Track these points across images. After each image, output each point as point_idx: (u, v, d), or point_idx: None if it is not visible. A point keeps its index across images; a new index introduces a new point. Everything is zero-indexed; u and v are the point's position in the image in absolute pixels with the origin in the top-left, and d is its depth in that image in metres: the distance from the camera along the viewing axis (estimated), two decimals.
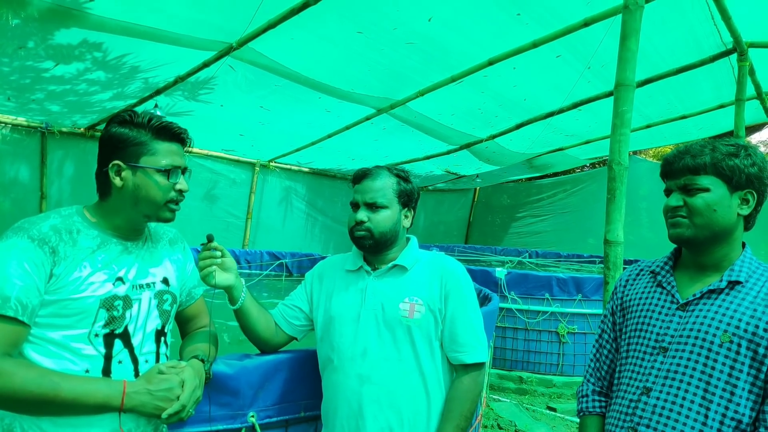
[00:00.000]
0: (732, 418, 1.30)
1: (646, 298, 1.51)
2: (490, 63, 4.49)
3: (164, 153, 1.45)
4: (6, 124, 5.16)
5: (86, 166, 5.81)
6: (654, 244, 7.72)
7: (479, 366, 1.78)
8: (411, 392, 1.73)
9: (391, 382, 1.72)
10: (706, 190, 1.37)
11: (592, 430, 1.60)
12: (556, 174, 10.69)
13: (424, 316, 1.74)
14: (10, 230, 1.33)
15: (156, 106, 4.62)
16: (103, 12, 3.27)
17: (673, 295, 1.45)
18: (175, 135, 1.49)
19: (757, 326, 1.30)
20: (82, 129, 5.63)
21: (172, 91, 4.62)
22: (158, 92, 4.61)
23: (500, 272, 5.35)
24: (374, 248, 1.80)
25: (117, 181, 1.42)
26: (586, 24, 3.99)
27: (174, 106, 4.92)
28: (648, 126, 6.65)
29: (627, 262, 5.77)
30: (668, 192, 1.46)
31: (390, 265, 1.82)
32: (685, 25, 4.25)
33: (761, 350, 1.29)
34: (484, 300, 3.25)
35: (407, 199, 1.84)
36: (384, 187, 1.80)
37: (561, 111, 5.75)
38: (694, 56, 4.74)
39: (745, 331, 1.30)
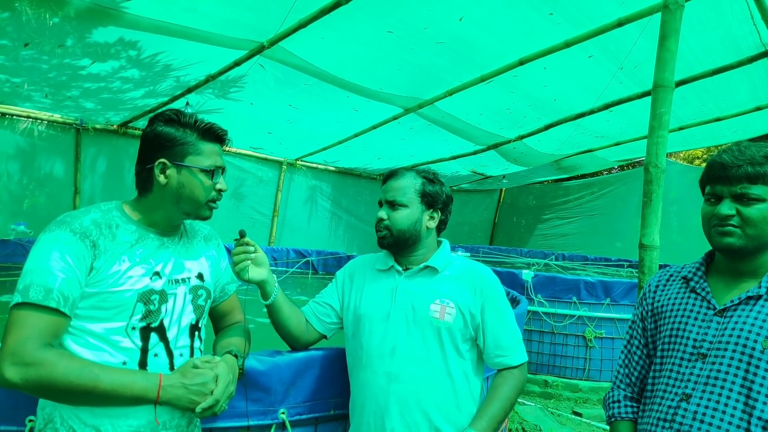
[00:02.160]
0: None
1: (680, 304, 1.49)
2: (521, 63, 4.45)
3: (208, 153, 1.48)
4: (42, 120, 5.30)
5: (118, 162, 5.93)
6: (684, 249, 7.56)
7: (524, 364, 1.82)
8: (438, 392, 1.72)
9: (418, 381, 1.72)
10: (762, 200, 1.34)
11: None
12: (583, 176, 10.54)
13: (455, 318, 1.74)
14: (52, 223, 1.36)
15: (187, 104, 4.69)
16: (138, 11, 3.34)
17: (708, 301, 1.43)
18: (219, 136, 1.52)
19: None
20: (115, 126, 5.75)
21: (203, 89, 4.69)
22: (189, 90, 4.68)
23: (527, 275, 5.30)
24: (394, 246, 1.82)
25: (161, 178, 1.45)
26: (620, 24, 3.92)
27: (204, 104, 4.99)
28: (681, 128, 6.51)
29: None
30: (714, 197, 1.41)
31: (422, 266, 1.82)
32: (722, 25, 4.15)
33: None
34: (511, 303, 3.22)
35: (431, 200, 1.85)
36: (405, 186, 1.82)
37: (592, 112, 5.67)
38: (731, 57, 4.62)
39: None
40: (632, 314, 1.69)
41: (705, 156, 14.65)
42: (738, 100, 5.78)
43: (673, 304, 1.51)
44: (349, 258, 6.27)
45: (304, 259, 6.48)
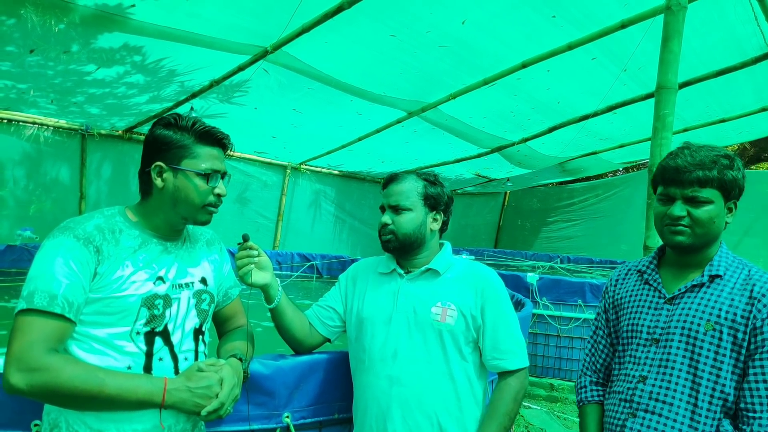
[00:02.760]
0: (719, 398, 1.43)
1: (637, 295, 1.64)
2: (524, 66, 4.45)
3: (205, 157, 1.48)
4: (48, 126, 5.33)
5: (123, 167, 5.96)
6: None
7: (524, 369, 1.79)
8: (441, 395, 1.72)
9: (420, 385, 1.71)
10: (711, 202, 1.46)
11: (592, 417, 1.71)
12: (588, 178, 10.52)
13: (457, 321, 1.73)
14: (56, 230, 1.36)
15: (192, 109, 4.71)
16: (143, 17, 3.36)
17: (660, 291, 1.58)
18: (218, 140, 1.51)
19: (735, 314, 1.43)
20: (120, 131, 5.78)
21: (207, 94, 4.71)
22: (194, 95, 4.70)
23: (532, 278, 5.29)
24: (399, 250, 1.81)
25: (158, 182, 1.45)
26: (623, 26, 3.92)
27: (208, 108, 5.01)
28: (685, 130, 6.49)
29: None
30: (667, 198, 1.52)
31: (423, 269, 1.82)
32: (726, 26, 4.14)
33: (740, 335, 1.42)
34: (516, 305, 3.22)
35: (434, 203, 1.84)
36: (408, 190, 1.81)
37: (595, 114, 5.66)
38: (735, 58, 4.62)
39: (725, 319, 1.44)
40: (596, 311, 1.83)
41: None
42: (743, 101, 5.77)
43: (630, 296, 1.65)
44: (353, 261, 6.28)
45: (309, 263, 6.49)
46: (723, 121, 6.23)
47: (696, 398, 1.45)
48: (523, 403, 4.94)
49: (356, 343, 1.84)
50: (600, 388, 1.74)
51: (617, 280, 1.74)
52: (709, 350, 1.44)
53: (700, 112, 6.05)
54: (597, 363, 1.76)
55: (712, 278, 1.51)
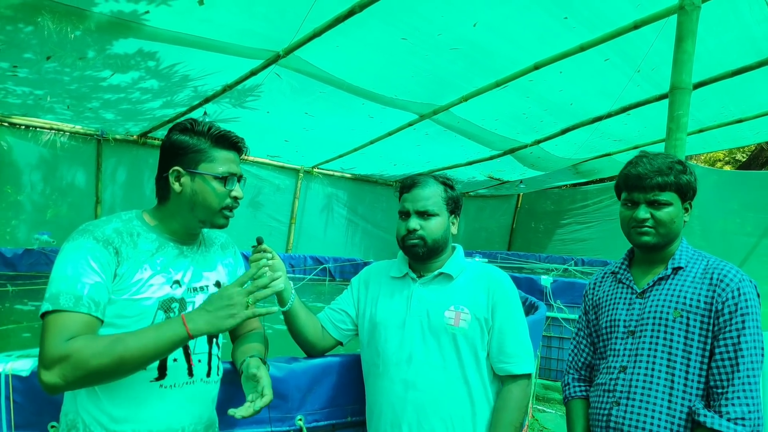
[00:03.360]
0: (692, 380, 1.56)
1: (612, 294, 1.80)
2: (536, 67, 4.44)
3: (222, 161, 1.49)
4: (65, 132, 5.40)
5: (138, 172, 6.03)
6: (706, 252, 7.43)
7: (528, 376, 1.77)
8: (456, 400, 1.71)
9: (436, 389, 1.71)
10: (670, 204, 1.64)
11: (578, 411, 1.83)
12: (602, 180, 10.43)
13: (470, 324, 1.73)
14: (75, 233, 1.38)
15: (205, 113, 4.75)
16: (157, 23, 3.40)
17: (631, 288, 1.74)
18: (233, 143, 1.52)
19: (698, 300, 1.59)
20: (134, 136, 5.84)
21: (220, 99, 4.75)
22: (207, 100, 4.74)
23: (546, 280, 5.25)
24: (427, 256, 1.80)
25: (176, 186, 1.47)
26: (636, 27, 3.89)
27: (221, 113, 5.05)
28: (701, 130, 6.42)
29: None
30: (631, 202, 1.69)
31: (436, 273, 1.81)
32: (741, 25, 4.10)
33: (705, 319, 1.57)
34: (530, 308, 3.20)
35: (454, 206, 1.85)
36: (434, 194, 1.80)
37: (609, 115, 5.62)
38: (751, 57, 4.56)
39: (690, 306, 1.59)
40: (579, 311, 1.98)
41: (727, 158, 14.41)
42: (760, 101, 5.69)
43: (607, 296, 1.81)
44: (366, 265, 6.28)
45: (321, 266, 6.51)
46: (739, 121, 6.15)
47: (672, 382, 1.58)
48: (538, 407, 4.91)
49: (369, 347, 1.84)
50: (583, 384, 1.87)
51: (595, 284, 1.91)
52: (678, 336, 1.59)
53: (716, 113, 5.98)
54: (579, 361, 1.90)
55: (675, 270, 1.67)
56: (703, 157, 13.66)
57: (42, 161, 5.38)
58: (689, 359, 1.57)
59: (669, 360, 1.59)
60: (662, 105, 5.06)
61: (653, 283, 1.69)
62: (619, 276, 1.80)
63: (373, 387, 1.81)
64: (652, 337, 1.63)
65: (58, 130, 5.35)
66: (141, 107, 4.91)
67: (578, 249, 10.29)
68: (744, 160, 12.35)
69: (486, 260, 7.01)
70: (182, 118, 1.53)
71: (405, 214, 1.82)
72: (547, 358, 5.30)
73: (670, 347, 1.59)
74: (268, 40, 3.82)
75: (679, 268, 1.67)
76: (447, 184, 1.85)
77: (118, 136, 5.73)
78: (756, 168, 11.35)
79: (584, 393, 1.85)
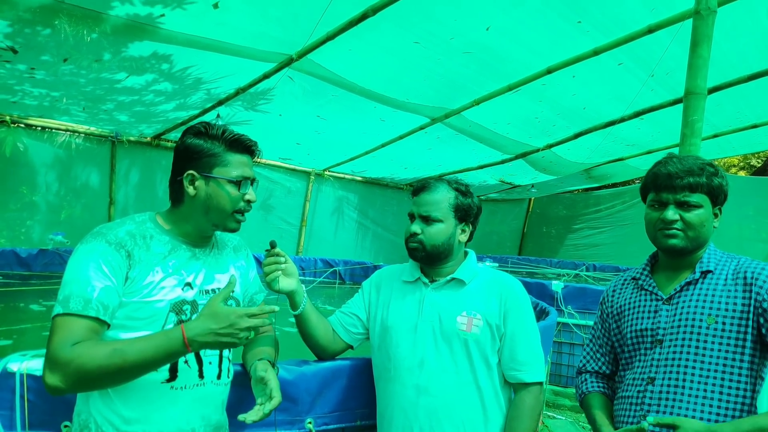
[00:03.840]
0: (729, 387, 1.48)
1: (634, 301, 1.69)
2: (549, 71, 4.42)
3: (236, 164, 1.50)
4: (79, 133, 5.46)
5: (151, 173, 6.08)
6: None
7: (539, 384, 1.76)
8: (468, 405, 1.71)
9: (448, 395, 1.71)
10: (700, 206, 1.55)
11: (595, 403, 1.73)
12: (615, 185, 10.36)
13: (482, 330, 1.72)
14: (89, 235, 1.39)
15: (218, 116, 4.78)
16: (172, 26, 3.43)
17: (656, 294, 1.64)
18: (247, 147, 1.53)
19: (735, 304, 1.50)
20: (148, 138, 5.89)
21: (233, 102, 4.78)
22: (220, 103, 4.77)
23: (557, 285, 5.22)
24: (426, 260, 1.81)
25: (190, 189, 1.47)
26: (650, 31, 3.87)
27: (234, 115, 5.08)
28: (716, 135, 6.37)
29: None
30: (659, 203, 1.60)
31: (448, 278, 1.81)
32: (758, 29, 4.06)
33: (743, 322, 1.48)
34: (541, 314, 3.18)
35: (464, 214, 1.82)
36: (440, 200, 1.79)
37: (622, 120, 5.59)
38: (767, 62, 4.51)
39: (727, 310, 1.50)
40: (595, 317, 1.88)
41: (741, 164, 14.25)
42: None
43: (629, 304, 1.71)
44: (376, 268, 6.29)
45: (332, 269, 6.52)
46: (755, 126, 6.09)
47: (705, 390, 1.49)
48: (548, 414, 4.87)
49: (380, 351, 1.83)
50: (601, 381, 1.79)
51: (614, 291, 1.80)
52: (713, 343, 1.49)
53: (731, 118, 5.93)
54: (593, 369, 1.82)
55: (704, 274, 1.58)
56: (717, 163, 13.52)
57: (57, 162, 5.44)
58: (725, 366, 1.48)
59: (701, 369, 1.50)
60: (676, 110, 5.02)
61: (680, 288, 1.59)
62: (641, 282, 1.70)
63: (384, 391, 1.81)
64: (683, 346, 1.53)
65: (74, 131, 5.42)
66: (154, 109, 4.95)
67: (590, 254, 10.23)
68: (759, 165, 12.21)
69: (497, 265, 6.99)
70: (195, 121, 1.54)
71: (411, 217, 1.84)
72: (558, 364, 5.27)
73: (704, 355, 1.50)
74: (281, 44, 3.85)
75: (709, 271, 1.58)
76: (460, 190, 1.83)
77: (131, 138, 5.78)
78: None
79: (602, 389, 1.76)
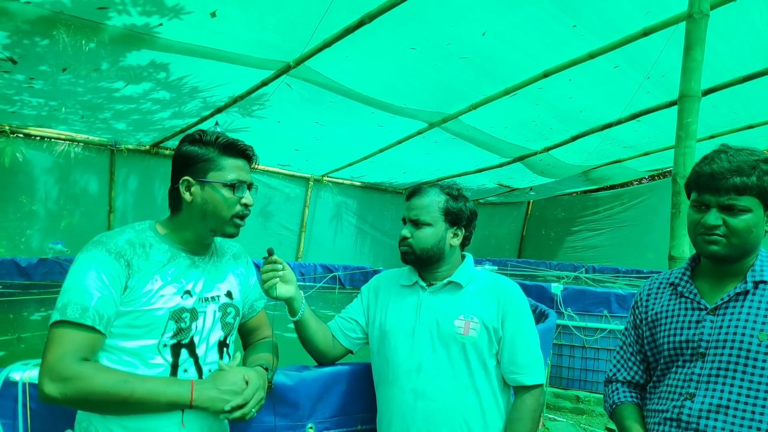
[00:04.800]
0: None
1: (673, 309, 1.53)
2: (545, 75, 4.45)
3: (230, 168, 1.51)
4: (79, 142, 5.48)
5: (149, 181, 6.10)
6: None
7: (540, 386, 1.77)
8: (466, 409, 1.71)
9: (445, 399, 1.71)
10: (749, 210, 1.36)
11: (630, 414, 1.59)
12: (613, 186, 10.38)
13: (480, 333, 1.73)
14: (89, 243, 1.41)
15: (216, 123, 4.80)
16: (170, 35, 3.45)
17: (698, 303, 1.48)
18: (241, 151, 1.55)
19: None
20: (146, 146, 5.91)
21: (231, 109, 4.80)
22: (218, 110, 4.80)
23: (556, 288, 5.23)
24: (417, 263, 1.82)
25: (187, 196, 1.49)
26: (646, 34, 3.90)
27: (232, 123, 5.11)
28: (712, 137, 6.39)
29: None
30: (702, 205, 1.42)
31: (445, 281, 1.82)
32: (751, 31, 4.09)
33: None
34: (540, 316, 3.19)
35: (455, 218, 1.83)
36: (429, 204, 1.81)
37: (619, 122, 5.61)
38: (762, 63, 4.54)
39: None
40: (626, 322, 1.72)
41: None
42: None
43: (667, 311, 1.55)
44: (375, 272, 6.29)
45: (331, 274, 6.53)
46: (751, 127, 6.12)
47: (753, 412, 1.35)
48: (549, 416, 4.88)
49: (379, 355, 1.84)
50: (634, 390, 1.65)
51: (649, 295, 1.64)
52: (765, 361, 1.35)
53: (727, 119, 5.95)
54: (627, 376, 1.67)
55: (757, 284, 1.42)
56: None
57: (56, 171, 5.46)
58: None
59: (749, 389, 1.36)
60: (673, 111, 5.01)
61: (728, 298, 1.43)
62: (680, 289, 1.54)
63: (383, 395, 1.82)
64: (729, 363, 1.39)
65: (72, 140, 5.43)
66: (151, 117, 4.97)
67: (589, 256, 10.24)
68: None
69: (496, 268, 6.99)
70: (193, 129, 1.56)
71: (404, 221, 1.86)
72: (558, 366, 5.27)
73: (753, 374, 1.36)
74: (279, 51, 3.87)
75: (762, 281, 1.41)
76: (452, 194, 1.84)
77: (130, 146, 5.80)
78: None
79: (636, 400, 1.63)
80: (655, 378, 1.58)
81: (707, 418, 1.40)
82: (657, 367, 1.57)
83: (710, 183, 1.38)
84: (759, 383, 1.35)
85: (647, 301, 1.63)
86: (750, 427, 1.35)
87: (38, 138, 5.25)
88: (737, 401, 1.37)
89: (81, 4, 3.07)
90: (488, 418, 1.73)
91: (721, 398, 1.39)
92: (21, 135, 5.13)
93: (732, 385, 1.38)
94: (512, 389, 1.81)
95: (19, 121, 4.94)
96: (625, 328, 1.72)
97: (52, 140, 5.33)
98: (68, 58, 3.57)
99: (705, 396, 1.41)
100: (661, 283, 1.63)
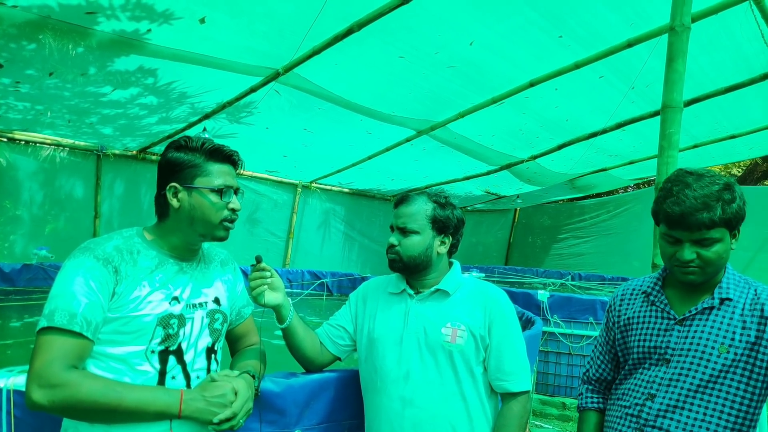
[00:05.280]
0: (728, 414, 1.47)
1: (644, 317, 1.65)
2: (532, 84, 4.50)
3: (217, 173, 1.52)
4: (64, 147, 5.43)
5: (136, 187, 6.06)
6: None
7: (526, 393, 1.79)
8: (453, 416, 1.73)
9: (433, 406, 1.72)
10: (719, 240, 1.45)
11: (590, 421, 1.77)
12: (598, 195, 10.49)
13: (467, 341, 1.74)
14: (77, 250, 1.41)
15: (204, 129, 4.79)
16: (159, 41, 3.45)
17: (668, 312, 1.59)
18: (227, 156, 1.56)
19: (749, 336, 1.47)
20: (133, 152, 5.87)
21: (219, 115, 4.79)
22: (206, 116, 4.78)
23: (542, 295, 5.27)
24: (404, 271, 1.84)
25: (174, 202, 1.49)
26: (630, 45, 3.96)
27: (220, 129, 5.10)
28: (695, 146, 6.49)
29: None
30: (673, 239, 1.49)
31: (432, 289, 1.83)
32: (732, 44, 4.17)
33: (753, 354, 1.46)
34: (527, 323, 3.21)
35: (442, 226, 1.84)
36: (417, 212, 1.82)
37: (604, 131, 5.68)
38: (742, 75, 4.63)
39: (740, 341, 1.47)
40: (602, 323, 1.85)
41: (723, 173, 14.47)
42: (752, 117, 5.77)
43: (638, 318, 1.67)
44: (363, 279, 6.29)
45: (319, 281, 6.52)
46: (733, 137, 6.22)
47: (705, 414, 1.49)
48: (535, 423, 4.90)
49: (367, 363, 1.85)
50: (598, 396, 1.80)
51: (622, 300, 1.75)
52: (720, 372, 1.47)
53: (710, 129, 6.05)
54: (595, 375, 1.82)
55: (722, 301, 1.53)
56: None
57: (41, 176, 5.40)
58: (728, 392, 1.47)
59: (704, 393, 1.49)
60: (656, 121, 5.09)
61: (696, 312, 1.55)
62: (652, 298, 1.65)
63: (371, 403, 1.83)
64: (690, 369, 1.51)
65: (58, 145, 5.38)
66: (138, 123, 4.95)
67: (575, 264, 10.32)
68: (740, 174, 12.44)
69: (483, 275, 7.02)
70: (181, 135, 1.56)
71: (391, 228, 1.87)
72: (545, 373, 5.30)
73: (708, 381, 1.48)
74: (267, 58, 3.88)
75: (727, 299, 1.52)
76: (439, 202, 1.85)
77: (116, 152, 5.76)
78: (751, 183, 11.44)
79: (598, 405, 1.78)
80: (622, 375, 1.71)
81: (663, 417, 1.53)
82: (625, 366, 1.70)
83: (681, 221, 1.44)
84: (712, 388, 1.48)
85: (620, 306, 1.75)
86: (701, 426, 1.48)
87: (23, 142, 5.20)
88: (692, 403, 1.50)
89: (69, 9, 3.05)
90: (475, 425, 1.74)
91: (678, 400, 1.52)
92: (5, 139, 5.07)
93: (689, 390, 1.51)
94: (499, 396, 1.83)
95: (4, 125, 4.89)
96: (602, 329, 1.84)
97: (38, 145, 5.27)
98: (55, 62, 3.54)
99: (664, 398, 1.54)
100: (634, 289, 1.74)
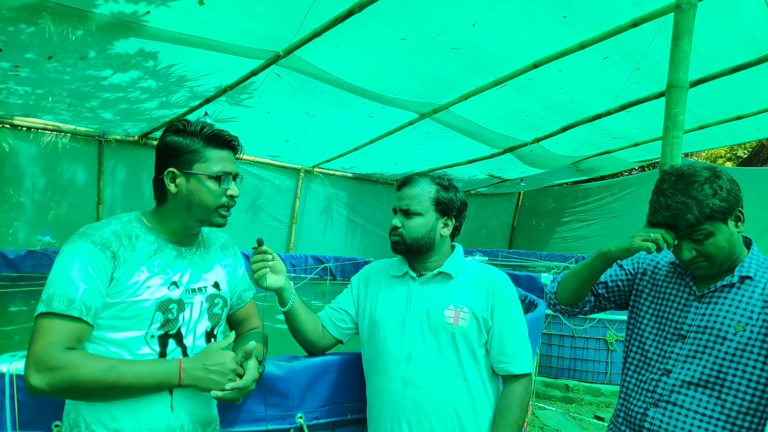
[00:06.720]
0: (744, 393, 1.46)
1: (666, 286, 1.67)
2: (535, 66, 4.44)
3: (216, 160, 1.50)
4: (66, 133, 5.43)
5: (138, 172, 6.06)
6: None
7: (528, 375, 1.79)
8: (455, 398, 1.73)
9: (435, 387, 1.73)
10: (712, 234, 1.48)
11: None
12: (603, 177, 10.44)
13: (469, 323, 1.74)
14: (75, 235, 1.40)
15: (206, 114, 4.77)
16: (158, 24, 3.42)
17: (690, 287, 1.61)
18: (226, 142, 1.54)
19: (767, 314, 1.46)
20: (135, 137, 5.86)
21: (220, 99, 4.77)
22: (207, 100, 4.76)
23: (546, 278, 5.27)
24: (407, 253, 1.83)
25: (172, 187, 1.48)
26: (635, 24, 3.90)
27: (221, 113, 5.07)
28: (701, 127, 6.43)
29: None
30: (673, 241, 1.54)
31: (435, 272, 1.83)
32: (740, 23, 4.10)
33: None
34: (530, 306, 3.21)
35: (446, 208, 1.83)
36: (420, 194, 1.81)
37: (609, 113, 5.63)
38: (750, 54, 4.56)
39: (757, 320, 1.47)
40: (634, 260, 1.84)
41: (728, 155, 14.41)
42: (759, 97, 5.69)
43: (661, 285, 1.69)
44: (366, 263, 6.30)
45: (322, 266, 6.54)
46: (739, 118, 6.15)
47: (720, 392, 1.49)
48: (539, 404, 4.93)
49: (369, 345, 1.85)
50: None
51: (658, 263, 1.77)
52: (736, 348, 1.47)
53: (716, 110, 5.99)
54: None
55: (743, 279, 1.53)
56: (704, 154, 13.66)
57: (43, 162, 5.41)
58: (744, 371, 1.46)
59: (720, 371, 1.49)
60: (662, 102, 5.04)
61: (715, 288, 1.56)
62: (680, 270, 1.66)
63: (373, 385, 1.83)
64: (706, 347, 1.52)
65: (60, 131, 5.38)
66: (139, 107, 4.93)
67: (579, 247, 10.31)
68: (745, 156, 12.35)
69: (486, 259, 7.03)
70: (178, 120, 1.54)
71: (394, 211, 1.86)
72: (548, 356, 5.32)
73: (724, 358, 1.48)
74: (268, 41, 3.84)
75: (747, 277, 1.53)
76: (443, 185, 1.84)
77: (118, 137, 5.75)
78: (757, 164, 11.36)
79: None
80: (637, 350, 1.71)
81: (678, 393, 1.55)
82: (640, 338, 1.70)
83: (671, 222, 1.51)
84: (728, 366, 1.48)
85: (656, 268, 1.75)
86: (715, 404, 1.49)
87: (25, 128, 5.19)
88: (707, 381, 1.51)
89: None
90: (477, 407, 1.75)
91: (693, 376, 1.53)
92: (7, 125, 5.07)
93: (705, 366, 1.51)
94: (501, 378, 1.83)
95: (5, 111, 4.88)
96: (619, 266, 1.83)
97: (39, 131, 5.27)
98: (54, 46, 3.52)
99: (680, 374, 1.55)
100: (665, 256, 1.77)
